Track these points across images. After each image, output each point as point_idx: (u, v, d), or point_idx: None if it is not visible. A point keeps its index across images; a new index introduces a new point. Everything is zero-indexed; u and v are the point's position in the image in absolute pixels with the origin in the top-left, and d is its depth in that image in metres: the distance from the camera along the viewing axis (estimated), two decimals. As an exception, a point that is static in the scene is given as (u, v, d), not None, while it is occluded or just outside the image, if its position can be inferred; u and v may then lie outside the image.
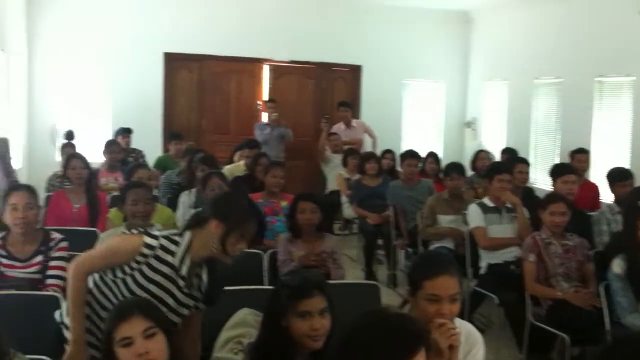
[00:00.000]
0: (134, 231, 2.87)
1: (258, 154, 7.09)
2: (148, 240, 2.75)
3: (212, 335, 3.18)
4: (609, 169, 5.78)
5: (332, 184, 8.64)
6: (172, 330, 2.41)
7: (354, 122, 9.76)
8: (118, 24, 9.84)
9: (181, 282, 2.79)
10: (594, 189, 6.86)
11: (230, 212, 2.78)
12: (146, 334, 2.25)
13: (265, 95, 10.57)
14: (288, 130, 9.38)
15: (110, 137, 8.54)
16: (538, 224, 4.81)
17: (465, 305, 4.99)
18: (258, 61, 10.60)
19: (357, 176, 7.74)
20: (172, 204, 5.72)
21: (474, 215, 5.36)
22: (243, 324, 3.18)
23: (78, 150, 7.20)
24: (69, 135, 8.89)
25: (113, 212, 4.92)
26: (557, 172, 5.61)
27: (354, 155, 8.28)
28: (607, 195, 6.12)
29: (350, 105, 9.95)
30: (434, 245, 6.00)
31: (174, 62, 10.35)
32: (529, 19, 9.65)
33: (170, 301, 2.80)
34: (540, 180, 8.80)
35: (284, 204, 5.39)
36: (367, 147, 9.62)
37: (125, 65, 9.90)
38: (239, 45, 10.18)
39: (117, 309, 2.41)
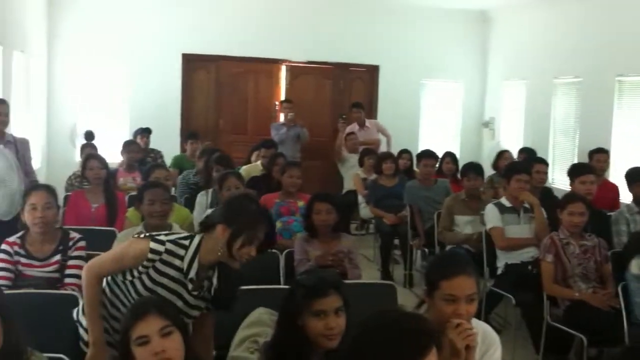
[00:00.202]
0: (142, 235, 2.88)
1: (275, 154, 7.09)
2: (153, 245, 2.76)
3: (228, 334, 3.19)
4: (627, 169, 5.73)
5: (348, 184, 8.64)
6: (187, 329, 2.42)
7: (368, 123, 9.75)
8: (137, 25, 9.91)
9: (190, 285, 2.80)
10: (613, 189, 6.79)
11: (236, 216, 2.77)
12: (162, 332, 2.26)
13: (282, 95, 10.58)
14: (304, 130, 9.38)
15: (128, 137, 8.60)
16: (556, 224, 4.78)
17: (482, 305, 4.97)
18: (275, 62, 10.62)
19: (373, 176, 7.74)
20: (190, 204, 5.74)
21: (492, 215, 5.34)
22: (259, 323, 3.18)
23: (98, 150, 7.26)
24: (89, 135, 8.95)
25: (131, 212, 4.95)
26: (575, 172, 5.57)
27: (370, 155, 8.27)
28: (626, 196, 6.07)
29: (363, 106, 9.92)
30: (450, 245, 5.97)
31: (192, 63, 10.40)
32: (548, 18, 9.59)
33: (179, 303, 2.81)
34: (559, 180, 8.74)
35: (301, 204, 5.39)
36: (382, 146, 9.61)
37: (143, 66, 9.97)
38: (257, 46, 10.20)
39: (133, 308, 2.42)
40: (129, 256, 2.79)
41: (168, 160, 8.16)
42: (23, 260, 3.69)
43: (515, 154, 8.66)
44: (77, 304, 3.19)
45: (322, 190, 5.15)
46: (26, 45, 8.48)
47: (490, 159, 9.79)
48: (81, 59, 9.79)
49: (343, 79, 10.96)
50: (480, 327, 2.58)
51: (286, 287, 2.96)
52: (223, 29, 10.17)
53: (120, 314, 2.88)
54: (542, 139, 9.42)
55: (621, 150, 7.94)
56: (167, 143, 9.23)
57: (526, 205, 5.33)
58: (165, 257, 2.76)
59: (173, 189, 6.58)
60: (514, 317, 5.26)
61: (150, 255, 2.75)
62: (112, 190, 5.60)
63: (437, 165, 7.48)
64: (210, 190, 5.57)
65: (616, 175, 7.38)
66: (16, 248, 3.70)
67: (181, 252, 2.78)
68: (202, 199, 5.52)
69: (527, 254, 5.11)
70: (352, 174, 8.46)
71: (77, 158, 8.27)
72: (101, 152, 6.91)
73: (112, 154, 7.39)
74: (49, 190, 3.86)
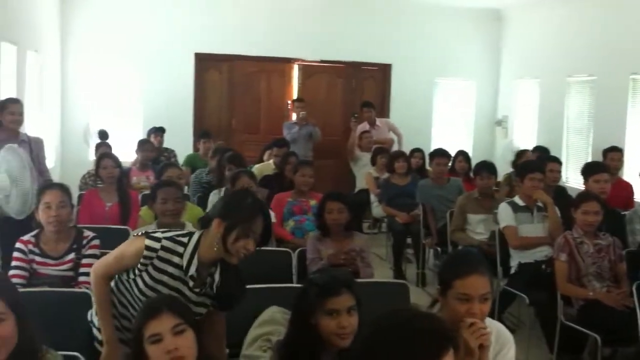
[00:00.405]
0: (139, 233, 2.89)
1: (287, 152, 7.10)
2: (148, 242, 2.77)
3: (241, 332, 3.20)
4: (641, 167, 5.70)
5: (361, 183, 8.63)
6: (200, 327, 2.43)
7: (379, 121, 9.72)
8: (150, 25, 9.95)
9: (191, 283, 2.80)
10: (627, 188, 6.75)
11: (229, 210, 2.77)
12: (175, 330, 2.27)
13: (295, 94, 10.59)
14: (316, 129, 9.38)
15: (142, 136, 8.63)
16: (570, 223, 4.75)
17: (496, 304, 4.95)
18: (288, 61, 10.63)
19: (386, 175, 7.72)
20: (203, 203, 5.77)
21: (505, 214, 5.31)
22: (272, 322, 3.19)
23: (112, 149, 7.29)
24: (103, 135, 8.99)
25: (144, 211, 4.97)
26: (589, 170, 5.54)
27: (383, 154, 8.26)
28: (640, 194, 6.04)
29: (374, 105, 9.90)
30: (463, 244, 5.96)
31: (205, 62, 10.43)
32: (561, 16, 9.54)
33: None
34: (572, 179, 8.70)
35: (313, 202, 5.40)
36: (394, 145, 9.58)
37: (156, 66, 10.01)
38: (269, 45, 10.21)
39: (146, 306, 2.43)
40: (128, 255, 2.81)
41: (181, 159, 8.19)
42: (37, 258, 3.71)
43: (528, 153, 8.62)
44: (91, 303, 3.20)
45: (334, 189, 5.15)
46: (40, 45, 8.53)
47: (503, 157, 9.77)
48: (94, 58, 9.84)
49: (355, 78, 10.96)
50: (494, 327, 2.58)
51: (299, 285, 2.95)
52: (235, 28, 10.19)
53: (128, 312, 2.90)
54: (556, 137, 9.38)
55: (635, 148, 7.89)
56: (180, 142, 9.25)
57: (539, 204, 5.30)
58: (162, 254, 2.76)
59: (186, 187, 6.61)
60: (528, 317, 5.23)
61: (146, 253, 2.75)
62: (126, 189, 5.63)
63: (449, 164, 7.46)
64: (222, 189, 5.59)
65: (630, 173, 7.35)
66: (30, 247, 3.72)
67: (179, 249, 2.78)
68: (215, 197, 5.54)
69: (540, 253, 5.09)
70: (364, 172, 8.45)
71: (91, 157, 8.31)
72: (114, 151, 6.95)
73: (126, 153, 7.42)
74: (63, 189, 3.88)
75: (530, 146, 8.95)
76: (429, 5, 10.63)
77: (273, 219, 4.92)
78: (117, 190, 5.41)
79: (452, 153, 7.69)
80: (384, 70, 10.97)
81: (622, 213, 5.60)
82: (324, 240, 4.45)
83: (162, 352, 2.24)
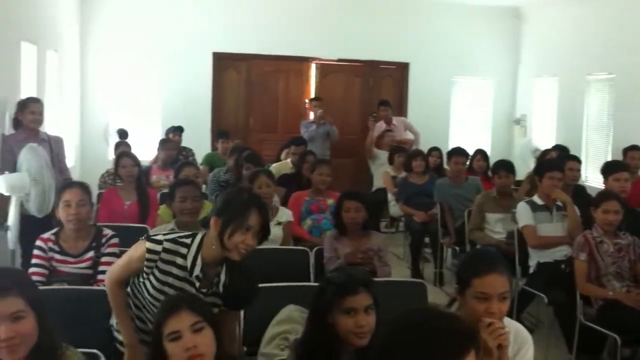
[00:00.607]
0: (142, 237, 2.90)
1: (305, 151, 7.10)
2: (149, 245, 2.79)
3: (259, 331, 3.21)
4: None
5: (378, 182, 8.61)
6: (219, 326, 2.43)
7: (395, 120, 9.69)
8: (168, 24, 10.00)
9: (197, 283, 2.80)
10: (647, 187, 6.69)
11: (223, 207, 2.78)
12: (194, 328, 2.28)
13: (312, 93, 10.59)
14: (333, 128, 9.37)
15: (160, 135, 8.68)
16: (589, 222, 4.72)
17: (514, 304, 4.92)
18: (305, 60, 10.64)
19: (403, 174, 7.70)
20: (221, 202, 5.77)
21: (523, 213, 5.28)
22: (289, 321, 3.19)
23: (131, 148, 7.34)
24: (123, 134, 9.04)
25: (163, 209, 5.00)
26: (608, 169, 5.50)
27: (400, 153, 8.24)
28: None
29: (390, 103, 9.87)
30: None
31: (223, 62, 10.46)
32: (580, 14, 9.46)
33: None
34: (592, 178, 8.63)
35: (331, 201, 5.40)
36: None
37: (175, 65, 10.06)
38: (287, 44, 10.23)
39: (165, 304, 2.44)
40: (134, 259, 2.83)
41: (199, 158, 8.22)
42: (57, 256, 3.74)
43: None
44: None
45: (351, 188, 5.15)
46: (59, 45, 8.59)
47: (522, 156, 9.71)
48: (113, 58, 9.90)
49: (373, 77, 10.94)
50: (513, 326, 2.56)
51: (316, 284, 2.95)
52: (253, 27, 10.21)
53: (142, 314, 2.93)
54: (575, 136, 9.31)
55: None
56: (198, 141, 9.29)
57: (559, 203, 5.27)
58: (164, 256, 2.78)
59: (204, 186, 6.63)
60: (547, 316, 5.20)
61: (148, 256, 2.77)
62: (144, 187, 5.66)
63: (467, 163, 7.43)
64: (240, 188, 5.60)
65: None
66: (50, 244, 3.75)
67: (182, 250, 2.79)
68: (233, 196, 5.54)
69: (560, 253, 5.05)
70: (382, 171, 8.44)
71: (110, 156, 8.36)
72: (133, 150, 6.99)
73: (145, 152, 7.46)
74: (83, 187, 3.90)
75: (549, 145, 8.89)
76: (447, 3, 10.59)
77: (291, 218, 5.00)
78: (136, 189, 5.44)
79: (470, 152, 7.65)
80: (402, 69, 10.95)
81: (643, 212, 5.55)
82: (341, 239, 4.45)
83: (181, 350, 2.25)
